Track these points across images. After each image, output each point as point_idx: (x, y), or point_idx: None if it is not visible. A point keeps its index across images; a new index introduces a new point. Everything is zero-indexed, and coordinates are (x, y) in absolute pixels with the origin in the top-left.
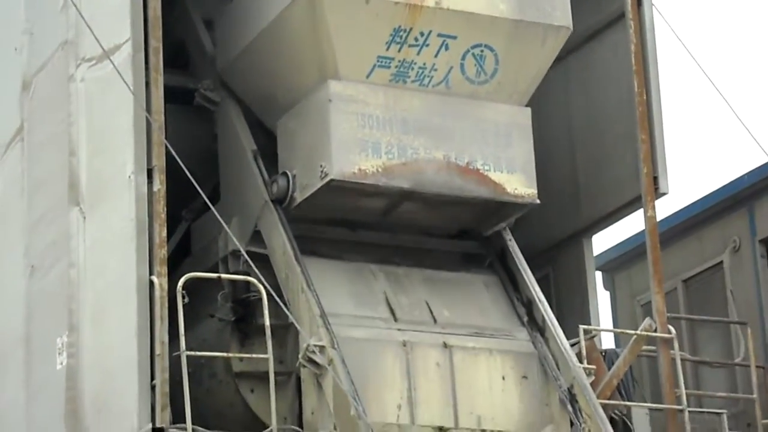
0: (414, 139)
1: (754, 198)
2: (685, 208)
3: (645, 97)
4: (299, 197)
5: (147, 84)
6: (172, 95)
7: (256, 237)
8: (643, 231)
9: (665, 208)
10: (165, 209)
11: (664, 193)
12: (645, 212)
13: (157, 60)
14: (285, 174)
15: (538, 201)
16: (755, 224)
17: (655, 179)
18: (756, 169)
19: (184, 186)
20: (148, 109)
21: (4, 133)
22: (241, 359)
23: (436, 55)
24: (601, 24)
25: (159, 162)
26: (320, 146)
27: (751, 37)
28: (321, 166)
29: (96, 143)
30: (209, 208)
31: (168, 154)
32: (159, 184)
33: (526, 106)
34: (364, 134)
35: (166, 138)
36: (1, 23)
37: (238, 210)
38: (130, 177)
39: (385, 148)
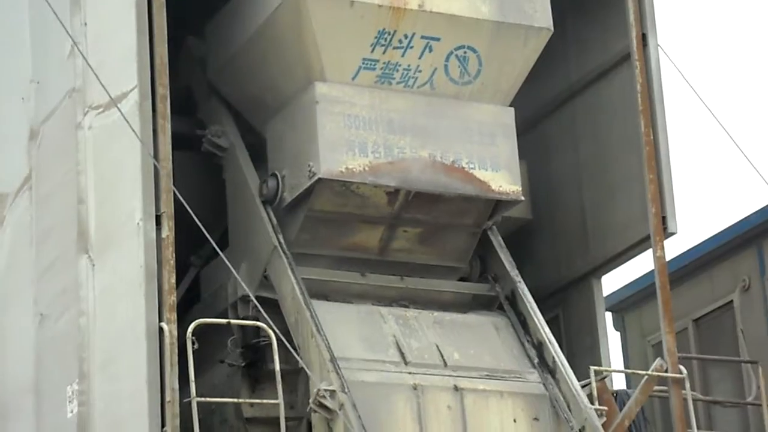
0: (400, 139)
1: (763, 236)
2: (694, 247)
3: (652, 137)
4: (288, 197)
5: (154, 131)
6: (179, 142)
7: (266, 282)
8: (652, 271)
9: (674, 247)
10: (174, 256)
11: (673, 233)
12: (654, 252)
13: (165, 107)
14: (275, 175)
15: (522, 198)
16: (765, 263)
17: (664, 219)
18: (765, 207)
19: (193, 232)
20: (156, 156)
21: (12, 182)
22: (251, 405)
23: (420, 57)
24: (607, 65)
25: (167, 208)
26: (308, 147)
27: (758, 74)
28: (309, 165)
29: (104, 191)
30: (218, 254)
31: (176, 200)
32: (167, 231)
33: (510, 105)
34: (350, 134)
35: (174, 184)
36: (7, 72)
37: (247, 255)
38: (138, 224)
39: (372, 148)
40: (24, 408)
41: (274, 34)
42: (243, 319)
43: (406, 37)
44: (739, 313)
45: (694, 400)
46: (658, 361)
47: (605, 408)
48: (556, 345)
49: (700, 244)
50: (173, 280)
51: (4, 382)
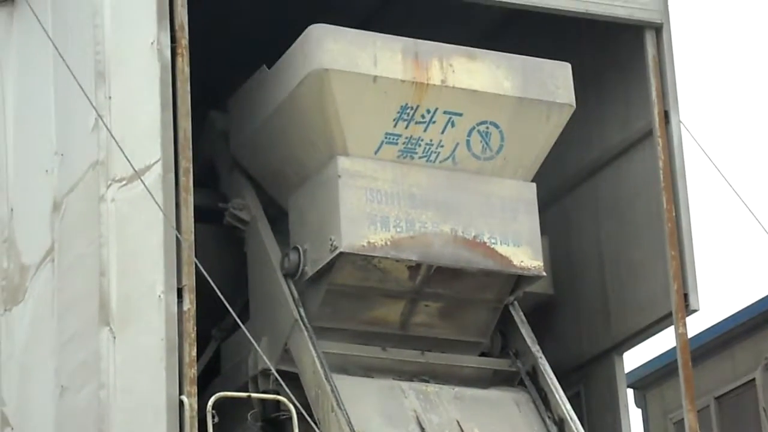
0: (422, 213)
1: None
2: (716, 324)
3: (674, 214)
4: (310, 271)
5: (177, 204)
6: (202, 215)
7: (286, 356)
8: (674, 348)
9: (696, 324)
10: (195, 328)
11: (695, 310)
12: (676, 329)
13: (188, 180)
14: (296, 248)
15: (544, 273)
16: None
17: (686, 296)
18: None
19: (214, 305)
20: (178, 229)
21: (34, 254)
22: None
23: (442, 132)
24: (629, 141)
25: (189, 281)
26: (330, 221)
27: None
28: (331, 239)
29: (126, 263)
30: (239, 327)
31: (198, 273)
32: (189, 304)
33: (531, 181)
34: (372, 208)
35: (196, 257)
36: (32, 145)
37: (268, 329)
38: (160, 296)
39: (394, 222)
40: None
41: (296, 108)
42: (263, 392)
43: (428, 112)
44: (762, 392)
45: None
46: None
47: None
48: (578, 422)
49: (722, 321)
50: (194, 353)
51: None
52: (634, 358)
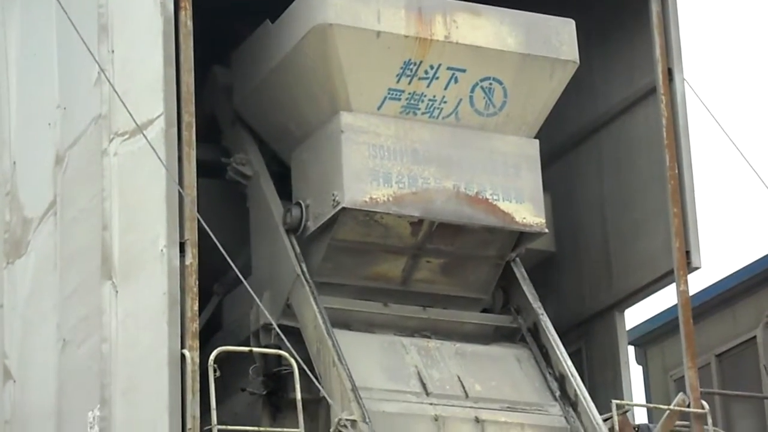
0: (424, 169)
1: None
2: (718, 282)
3: (677, 171)
4: (312, 226)
5: (180, 158)
6: (204, 169)
7: (288, 311)
8: (675, 305)
9: (698, 282)
10: (197, 283)
11: (697, 268)
12: (677, 287)
13: (190, 134)
14: (299, 204)
15: (546, 230)
16: None
17: (688, 253)
18: None
19: (216, 260)
20: (181, 183)
21: (37, 208)
22: None
23: (445, 88)
24: (632, 98)
25: (191, 236)
26: (332, 176)
27: None
28: (333, 195)
29: (129, 217)
30: (241, 282)
31: (200, 228)
32: (191, 258)
33: (534, 138)
34: (375, 164)
35: (198, 212)
36: (35, 98)
37: (270, 284)
38: (162, 251)
39: (396, 178)
40: None
41: (300, 63)
42: (265, 347)
43: (431, 67)
44: (762, 349)
45: None
46: (680, 396)
47: None
48: (578, 378)
49: (723, 279)
50: (196, 308)
51: (26, 407)
52: (636, 315)
